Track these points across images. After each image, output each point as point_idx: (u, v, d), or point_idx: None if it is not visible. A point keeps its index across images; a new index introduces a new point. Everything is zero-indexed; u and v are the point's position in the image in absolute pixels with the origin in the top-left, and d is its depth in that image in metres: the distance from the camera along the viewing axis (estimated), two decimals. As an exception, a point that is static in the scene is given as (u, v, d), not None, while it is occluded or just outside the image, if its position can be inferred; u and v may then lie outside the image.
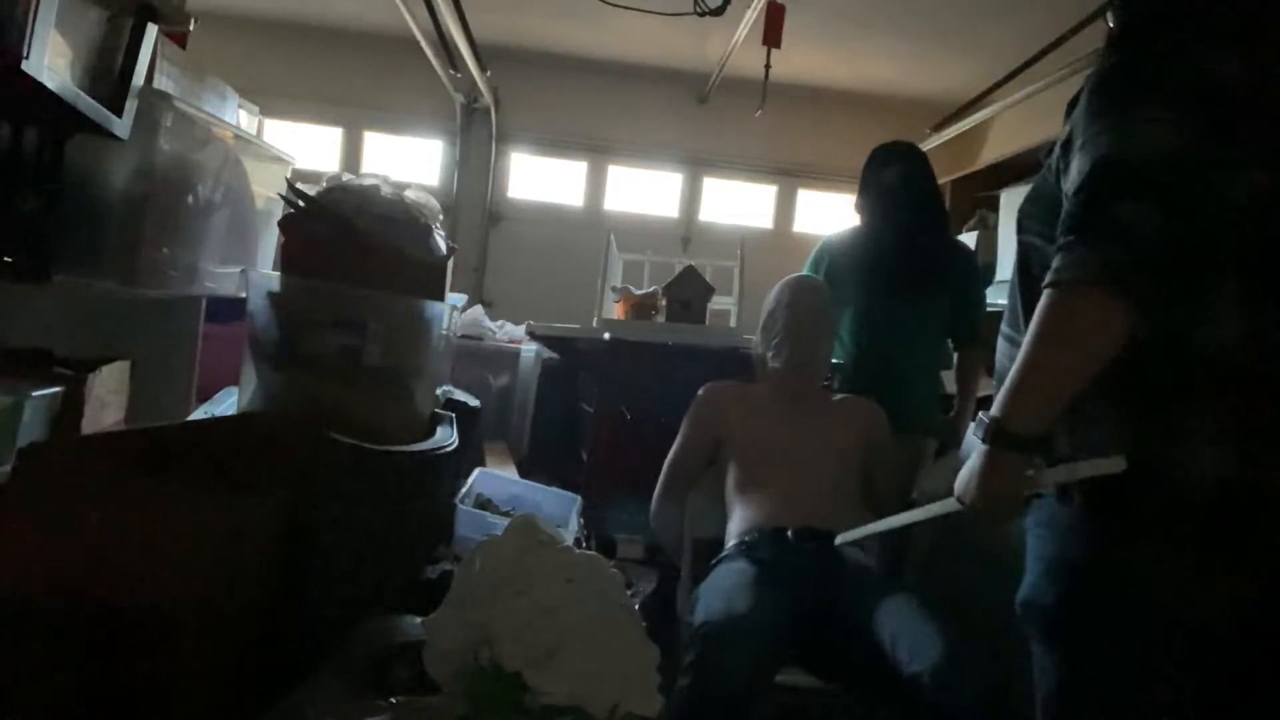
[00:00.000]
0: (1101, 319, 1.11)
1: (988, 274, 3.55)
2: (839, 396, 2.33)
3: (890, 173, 2.66)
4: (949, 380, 2.86)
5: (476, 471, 2.15)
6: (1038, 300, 1.16)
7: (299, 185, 1.36)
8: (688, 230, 5.68)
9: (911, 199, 2.63)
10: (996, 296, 3.12)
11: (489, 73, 4.75)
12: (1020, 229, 1.33)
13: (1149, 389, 1.15)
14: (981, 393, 2.81)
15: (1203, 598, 1.14)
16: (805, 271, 2.75)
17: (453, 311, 1.55)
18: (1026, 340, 1.16)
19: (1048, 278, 1.14)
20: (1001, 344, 1.39)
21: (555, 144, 5.60)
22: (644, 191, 5.74)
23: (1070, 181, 1.17)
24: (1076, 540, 1.21)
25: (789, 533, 1.97)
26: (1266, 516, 1.11)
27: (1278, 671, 1.17)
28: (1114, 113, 1.14)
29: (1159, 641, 1.15)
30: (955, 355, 2.79)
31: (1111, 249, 1.09)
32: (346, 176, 1.38)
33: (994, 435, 1.19)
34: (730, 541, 2.06)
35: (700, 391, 2.29)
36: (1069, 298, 1.12)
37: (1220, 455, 1.10)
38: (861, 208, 2.76)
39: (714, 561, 2.04)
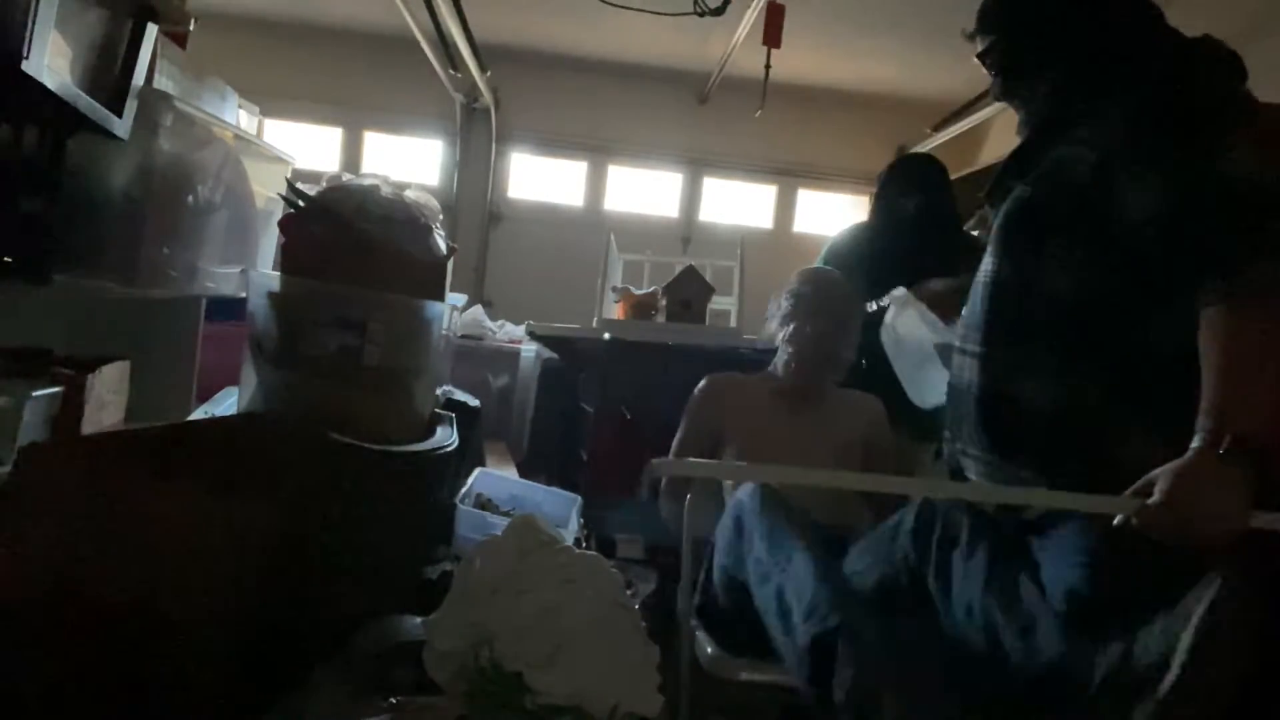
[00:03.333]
0: None
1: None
2: (840, 392, 2.31)
3: (910, 200, 2.62)
4: None
5: (476, 471, 2.15)
6: (1020, 316, 1.23)
7: (299, 185, 1.36)
8: (688, 230, 5.68)
9: (929, 224, 2.60)
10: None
11: (489, 73, 4.75)
12: (1012, 245, 1.33)
13: None
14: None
15: None
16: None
17: (453, 311, 1.55)
18: (1230, 354, 1.12)
19: (1229, 289, 1.12)
20: (957, 357, 1.39)
21: (555, 144, 5.59)
22: (644, 191, 5.74)
23: (1181, 204, 1.15)
24: None
25: None
26: None
27: None
28: (1202, 140, 1.16)
29: None
30: None
31: None
32: (346, 176, 1.38)
33: (1229, 447, 1.10)
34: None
35: (700, 384, 2.28)
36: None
37: None
38: (875, 218, 2.74)
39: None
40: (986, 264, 1.40)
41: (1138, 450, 1.16)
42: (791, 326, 2.17)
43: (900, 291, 1.77)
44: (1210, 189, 1.14)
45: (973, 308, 1.39)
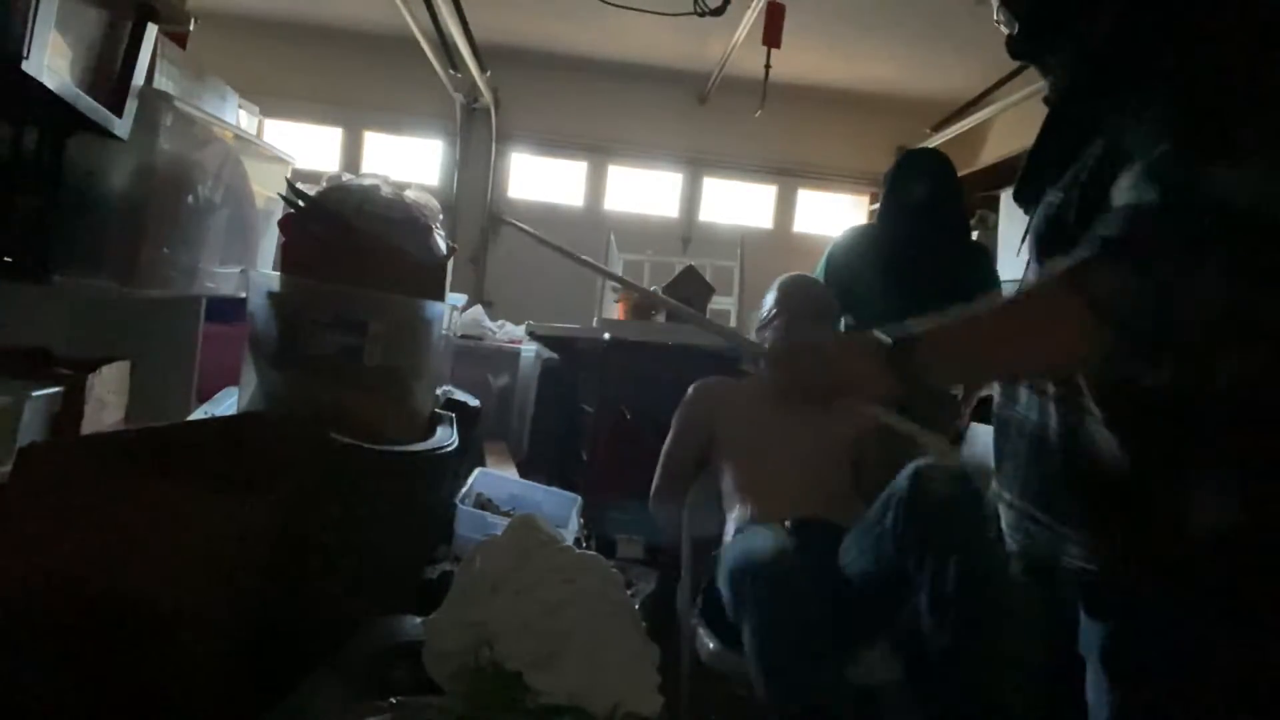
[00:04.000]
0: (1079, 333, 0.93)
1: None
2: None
3: (918, 189, 2.60)
4: None
5: (476, 471, 2.15)
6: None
7: (299, 185, 1.36)
8: (688, 230, 5.67)
9: (937, 217, 2.58)
10: (996, 296, 3.11)
11: (489, 73, 4.75)
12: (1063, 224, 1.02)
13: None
14: (983, 392, 2.80)
15: None
16: (818, 274, 2.74)
17: (453, 311, 1.55)
18: (1001, 319, 1.04)
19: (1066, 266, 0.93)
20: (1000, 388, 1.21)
21: (555, 144, 5.59)
22: (644, 191, 5.73)
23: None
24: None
25: (786, 524, 1.97)
26: None
27: None
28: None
29: None
30: None
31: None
32: (346, 176, 1.38)
33: (898, 346, 1.06)
34: (728, 538, 2.07)
35: (691, 389, 2.29)
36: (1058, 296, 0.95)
37: None
38: (883, 213, 2.73)
39: (713, 552, 2.04)
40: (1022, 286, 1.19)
41: (1203, 507, 0.94)
42: (770, 333, 2.20)
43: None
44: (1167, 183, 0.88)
45: None
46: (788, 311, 2.22)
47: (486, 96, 5.11)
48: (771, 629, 1.66)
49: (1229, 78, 0.92)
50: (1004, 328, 1.03)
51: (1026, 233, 1.14)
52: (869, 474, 2.21)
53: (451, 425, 1.45)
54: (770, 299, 2.28)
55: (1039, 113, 1.16)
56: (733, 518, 2.09)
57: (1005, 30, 1.21)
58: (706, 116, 5.46)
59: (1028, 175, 1.15)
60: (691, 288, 3.05)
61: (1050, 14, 1.13)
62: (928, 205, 2.50)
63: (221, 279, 1.68)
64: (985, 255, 2.83)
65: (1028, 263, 1.16)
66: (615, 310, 3.21)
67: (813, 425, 2.18)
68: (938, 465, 1.65)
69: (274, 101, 2.96)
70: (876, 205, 3.08)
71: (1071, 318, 0.92)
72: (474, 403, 1.85)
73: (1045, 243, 1.08)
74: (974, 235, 4.35)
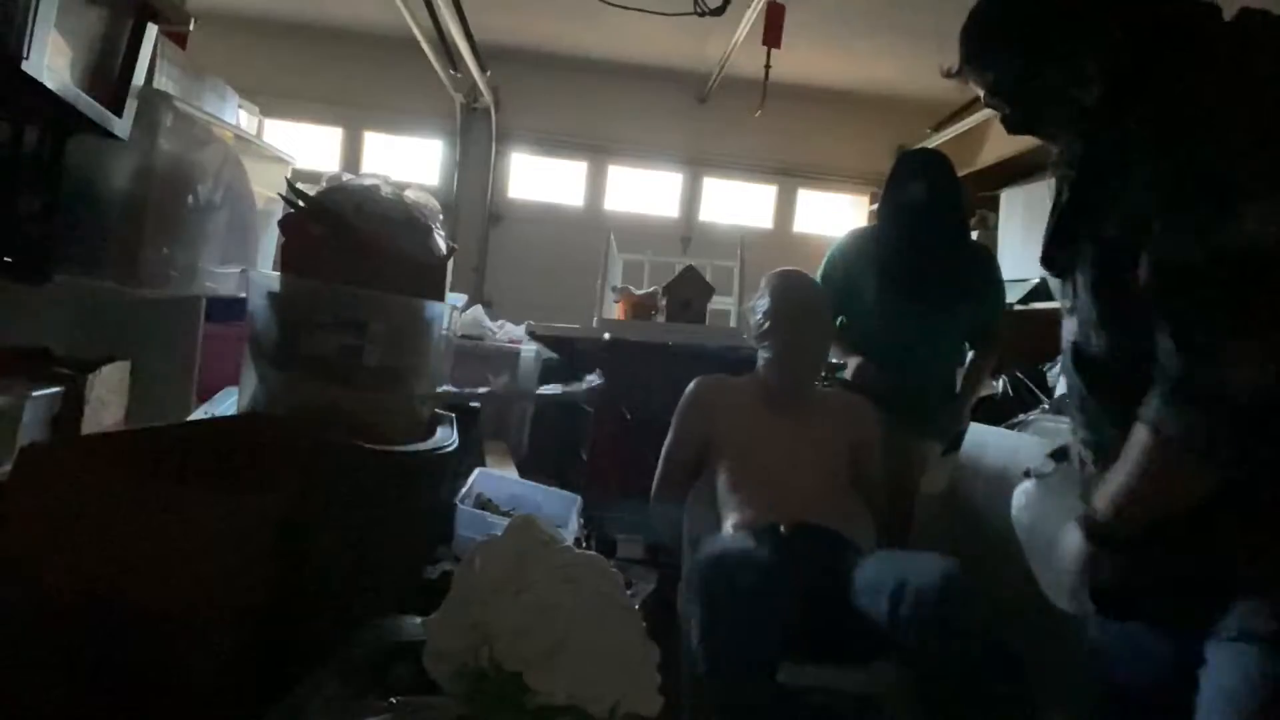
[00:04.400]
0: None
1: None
2: (828, 391, 2.32)
3: (917, 188, 2.59)
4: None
5: (476, 471, 2.15)
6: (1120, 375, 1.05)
7: (299, 185, 1.36)
8: (688, 230, 5.68)
9: (937, 217, 2.57)
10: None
11: (489, 73, 4.75)
12: (1113, 317, 1.08)
13: None
14: (983, 392, 2.79)
15: None
16: (818, 278, 2.73)
17: (453, 311, 1.55)
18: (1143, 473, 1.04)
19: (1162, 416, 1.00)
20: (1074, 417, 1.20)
21: (555, 144, 5.59)
22: (644, 191, 5.74)
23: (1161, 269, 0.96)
24: None
25: (782, 528, 1.96)
26: None
27: None
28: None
29: None
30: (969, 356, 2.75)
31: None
32: (346, 176, 1.38)
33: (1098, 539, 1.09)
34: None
35: (689, 388, 2.29)
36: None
37: None
38: (883, 214, 2.72)
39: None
40: (1078, 340, 1.15)
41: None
42: (769, 336, 2.19)
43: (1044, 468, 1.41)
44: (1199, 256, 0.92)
45: (1074, 381, 1.18)
46: (785, 316, 2.20)
47: (486, 96, 5.11)
48: (711, 627, 1.65)
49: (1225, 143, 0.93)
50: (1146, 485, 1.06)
51: (1071, 288, 1.14)
52: (866, 479, 2.21)
53: (451, 425, 1.45)
54: (764, 303, 2.25)
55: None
56: (728, 518, 2.09)
57: (997, 112, 1.22)
58: (706, 116, 5.46)
59: (1058, 241, 1.14)
60: (691, 288, 3.05)
61: (1037, 93, 1.14)
62: (926, 205, 2.49)
63: (221, 279, 1.68)
64: (988, 255, 2.82)
65: (1075, 324, 1.15)
66: (615, 310, 3.21)
67: (809, 426, 2.18)
68: None
69: (274, 101, 2.96)
70: (876, 205, 3.08)
71: (1183, 470, 1.01)
72: (474, 403, 1.85)
73: (1101, 288, 1.08)
74: (974, 235, 4.35)
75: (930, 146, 2.86)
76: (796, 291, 2.25)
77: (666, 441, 2.27)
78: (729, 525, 2.08)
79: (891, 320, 2.53)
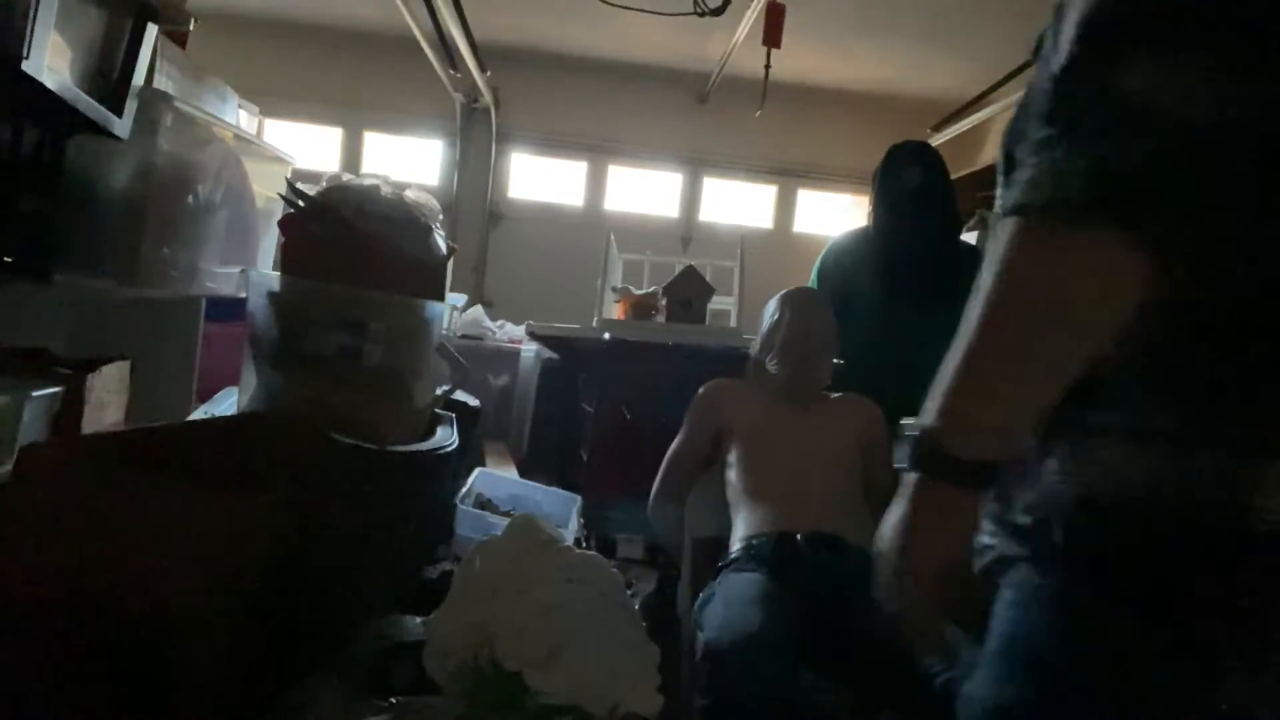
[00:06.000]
0: (1101, 264, 0.69)
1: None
2: (837, 395, 2.32)
3: (909, 175, 2.60)
4: None
5: (476, 471, 2.15)
6: None
7: (299, 185, 1.36)
8: (688, 230, 5.68)
9: (929, 203, 2.58)
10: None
11: (489, 73, 4.76)
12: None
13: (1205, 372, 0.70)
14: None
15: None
16: (813, 277, 2.73)
17: (453, 311, 1.54)
18: (977, 301, 0.76)
19: (1007, 199, 0.74)
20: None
21: (555, 144, 5.59)
22: (644, 191, 5.74)
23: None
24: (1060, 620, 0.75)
25: (798, 537, 1.96)
26: None
27: None
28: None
29: None
30: None
31: (1108, 148, 0.67)
32: (346, 176, 1.38)
33: (925, 457, 0.78)
34: (736, 545, 2.06)
35: (702, 389, 2.29)
36: (1044, 231, 0.71)
37: None
38: (876, 209, 2.73)
39: (720, 565, 2.03)
40: None
41: None
42: (776, 345, 2.22)
43: None
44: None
45: None
46: (793, 329, 2.22)
47: (486, 96, 5.11)
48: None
49: None
50: (994, 310, 0.76)
51: None
52: (875, 483, 2.21)
53: (451, 425, 1.45)
54: (773, 314, 2.27)
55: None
56: (739, 526, 2.09)
57: None
58: (706, 116, 5.46)
59: None
60: (691, 288, 3.05)
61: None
62: (918, 192, 2.51)
63: (221, 279, 1.68)
64: (981, 255, 2.82)
65: None
66: (615, 310, 3.21)
67: (821, 431, 2.19)
68: None
69: (274, 101, 2.96)
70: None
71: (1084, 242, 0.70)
72: (474, 403, 1.85)
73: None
74: (974, 235, 4.36)
75: (920, 141, 2.86)
76: (806, 297, 2.29)
77: (676, 441, 2.27)
78: (740, 532, 2.07)
79: (886, 318, 2.53)
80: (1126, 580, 0.71)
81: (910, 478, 0.80)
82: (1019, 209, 0.73)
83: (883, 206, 2.66)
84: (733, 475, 2.17)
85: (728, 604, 1.79)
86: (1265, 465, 0.67)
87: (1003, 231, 0.75)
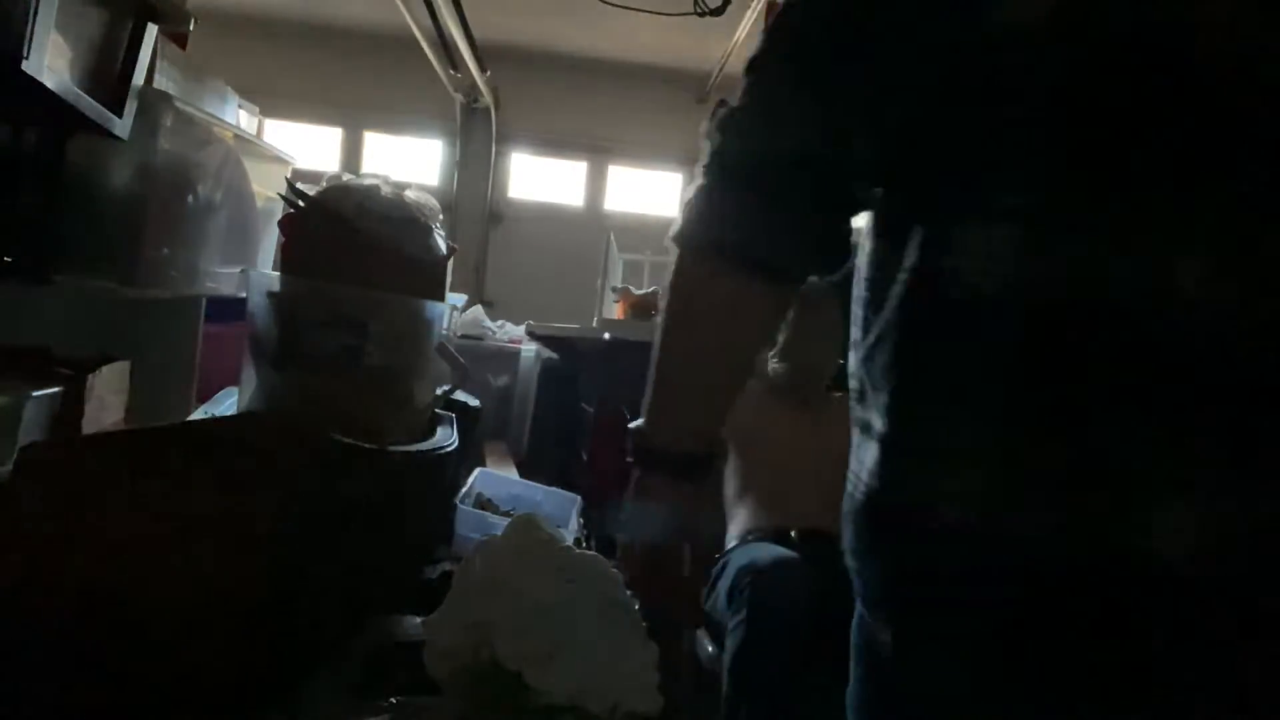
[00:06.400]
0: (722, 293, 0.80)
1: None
2: (838, 395, 2.32)
3: None
4: None
5: (476, 471, 2.15)
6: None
7: (299, 185, 1.36)
8: (688, 230, 5.68)
9: None
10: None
11: (489, 73, 4.76)
12: None
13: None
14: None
15: None
16: None
17: (453, 311, 1.54)
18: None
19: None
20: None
21: (555, 144, 5.60)
22: (644, 191, 5.74)
23: None
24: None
25: (792, 534, 1.96)
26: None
27: None
28: None
29: None
30: None
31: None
32: (346, 176, 1.38)
33: (635, 451, 0.89)
34: (731, 543, 2.06)
35: None
36: (677, 256, 0.82)
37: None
38: None
39: (717, 555, 2.03)
40: None
41: None
42: (779, 344, 2.20)
43: None
44: None
45: None
46: (799, 317, 2.20)
47: (486, 96, 5.11)
48: (759, 638, 1.64)
49: None
50: (661, 332, 0.87)
51: None
52: None
53: (451, 425, 1.45)
54: None
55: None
56: (736, 523, 2.09)
57: None
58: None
59: None
60: (691, 288, 3.05)
61: None
62: None
63: (221, 279, 1.68)
64: None
65: None
66: (615, 310, 3.21)
67: (819, 430, 2.18)
68: None
69: (274, 101, 2.96)
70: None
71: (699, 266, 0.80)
72: (474, 403, 1.85)
73: None
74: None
75: None
76: (808, 291, 2.26)
77: None
78: (736, 529, 2.07)
79: None
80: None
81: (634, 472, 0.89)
82: (673, 237, 0.83)
83: None
84: (729, 475, 2.17)
85: (753, 548, 1.83)
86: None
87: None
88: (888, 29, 0.68)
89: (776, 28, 0.81)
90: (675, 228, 0.82)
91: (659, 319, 0.86)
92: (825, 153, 0.73)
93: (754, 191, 0.77)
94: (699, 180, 0.83)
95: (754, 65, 0.82)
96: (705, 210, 0.80)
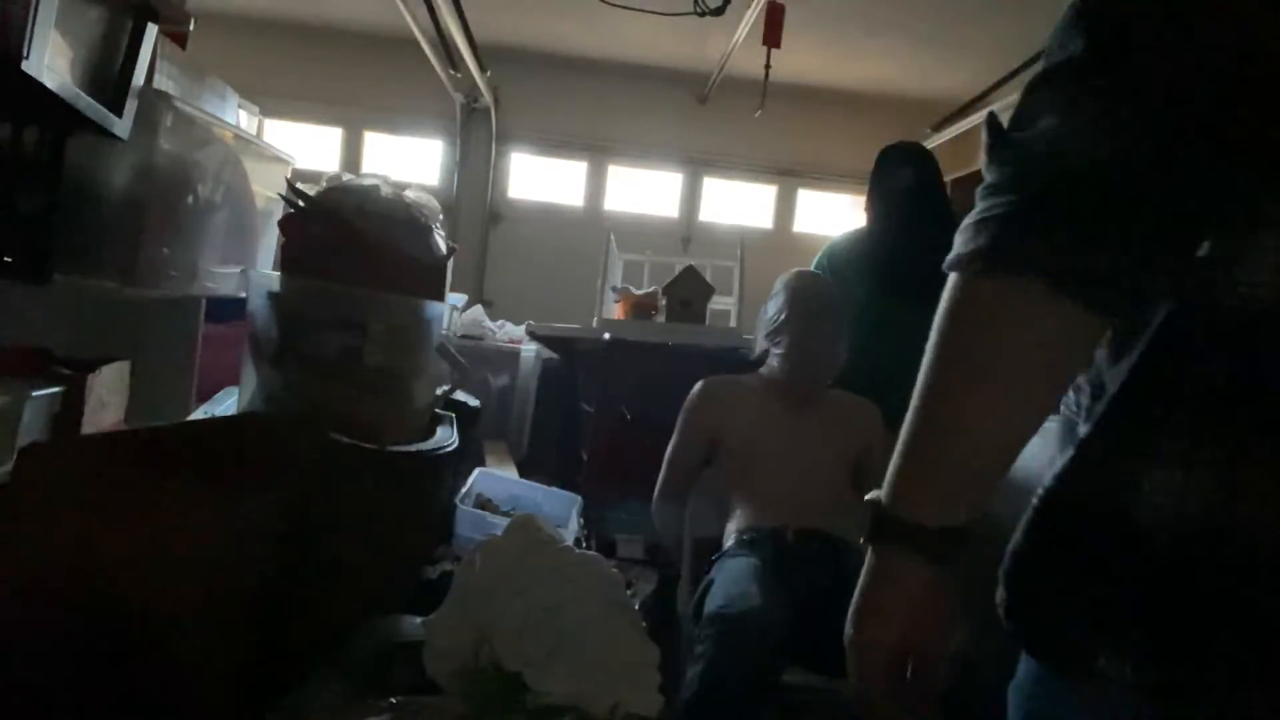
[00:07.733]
0: (1029, 317, 0.66)
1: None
2: (835, 394, 2.32)
3: (901, 175, 2.62)
4: None
5: (476, 471, 2.15)
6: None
7: (299, 185, 1.36)
8: (688, 230, 5.68)
9: (921, 203, 2.59)
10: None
11: (489, 73, 4.76)
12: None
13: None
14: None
15: None
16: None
17: (453, 311, 1.55)
18: (926, 359, 0.73)
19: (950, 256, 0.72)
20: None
21: (555, 144, 5.60)
22: (644, 191, 5.74)
23: None
24: None
25: (788, 533, 1.96)
26: None
27: None
28: None
29: None
30: None
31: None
32: (346, 176, 1.38)
33: (874, 524, 0.75)
34: (729, 540, 2.06)
35: (695, 387, 2.28)
36: (970, 285, 0.70)
37: None
38: (870, 209, 2.74)
39: (714, 557, 2.03)
40: None
41: None
42: (784, 333, 2.19)
43: None
44: None
45: None
46: (797, 310, 2.20)
47: (486, 96, 5.11)
48: (714, 693, 1.60)
49: None
50: (930, 372, 0.73)
51: None
52: (872, 483, 2.21)
53: (451, 425, 1.45)
54: (779, 301, 2.25)
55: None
56: (733, 520, 2.09)
57: None
58: (706, 116, 5.46)
59: None
60: (691, 288, 3.05)
61: None
62: (910, 193, 2.53)
63: (221, 279, 1.68)
64: None
65: None
66: (615, 310, 3.21)
67: (818, 429, 2.18)
68: None
69: (274, 101, 2.96)
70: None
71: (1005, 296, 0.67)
72: (474, 403, 1.85)
73: None
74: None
75: (913, 141, 2.90)
76: (813, 290, 2.25)
77: (671, 443, 2.27)
78: (733, 526, 2.07)
79: (880, 319, 2.53)
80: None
81: (869, 553, 0.76)
82: (951, 263, 0.71)
83: (876, 208, 2.68)
84: (727, 473, 2.17)
85: (731, 582, 1.81)
86: None
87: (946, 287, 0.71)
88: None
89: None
90: (962, 251, 0.69)
91: (932, 362, 0.72)
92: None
93: (1090, 213, 0.64)
94: (998, 199, 0.67)
95: (1066, 76, 0.66)
96: (1024, 232, 0.66)
